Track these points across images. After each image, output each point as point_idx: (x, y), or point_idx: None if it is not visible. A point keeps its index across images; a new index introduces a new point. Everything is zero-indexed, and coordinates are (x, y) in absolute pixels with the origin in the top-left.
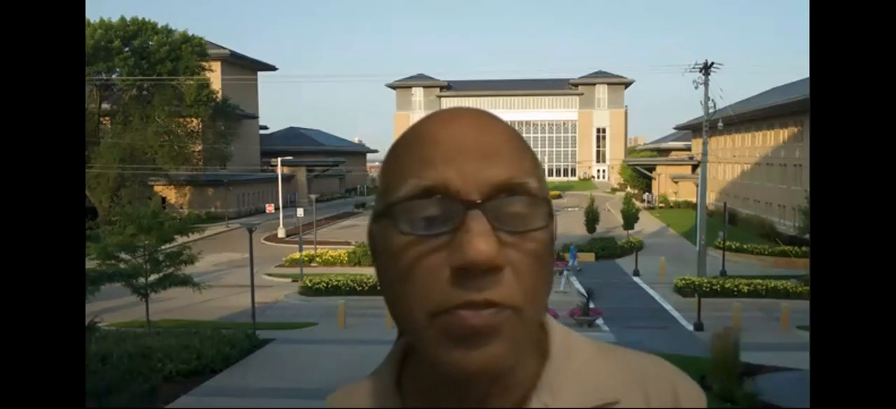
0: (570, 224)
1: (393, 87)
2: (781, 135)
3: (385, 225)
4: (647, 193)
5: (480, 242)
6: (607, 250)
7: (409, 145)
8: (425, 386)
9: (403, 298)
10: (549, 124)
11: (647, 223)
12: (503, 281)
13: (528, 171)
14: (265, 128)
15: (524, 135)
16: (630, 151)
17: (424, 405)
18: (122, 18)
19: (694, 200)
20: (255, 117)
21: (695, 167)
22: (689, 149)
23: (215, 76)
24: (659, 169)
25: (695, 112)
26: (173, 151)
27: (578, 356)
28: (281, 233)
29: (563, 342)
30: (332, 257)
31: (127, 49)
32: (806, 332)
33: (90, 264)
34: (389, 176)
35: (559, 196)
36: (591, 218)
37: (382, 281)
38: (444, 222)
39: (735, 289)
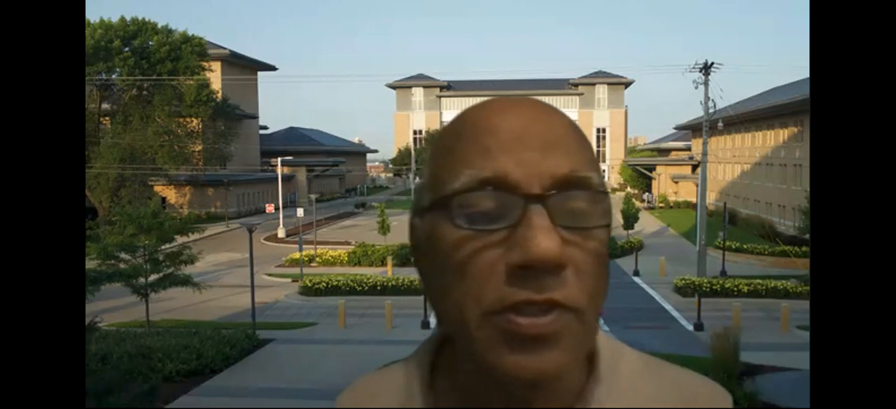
0: None
1: (393, 87)
2: (781, 135)
3: (435, 218)
4: (647, 193)
5: (544, 238)
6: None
7: (461, 135)
8: (462, 385)
9: (454, 295)
10: None
11: (647, 223)
12: (566, 281)
13: (589, 164)
14: (265, 128)
15: None
16: (630, 151)
17: (460, 403)
18: (122, 18)
19: (694, 200)
20: (255, 117)
21: (695, 167)
22: (689, 149)
23: (215, 76)
24: (659, 169)
25: (695, 112)
26: (173, 151)
27: (626, 369)
28: (281, 233)
29: (611, 354)
30: (332, 257)
31: (127, 49)
32: (806, 332)
33: (90, 264)
34: (440, 167)
35: None
36: None
37: (428, 277)
38: (503, 217)
39: (735, 289)
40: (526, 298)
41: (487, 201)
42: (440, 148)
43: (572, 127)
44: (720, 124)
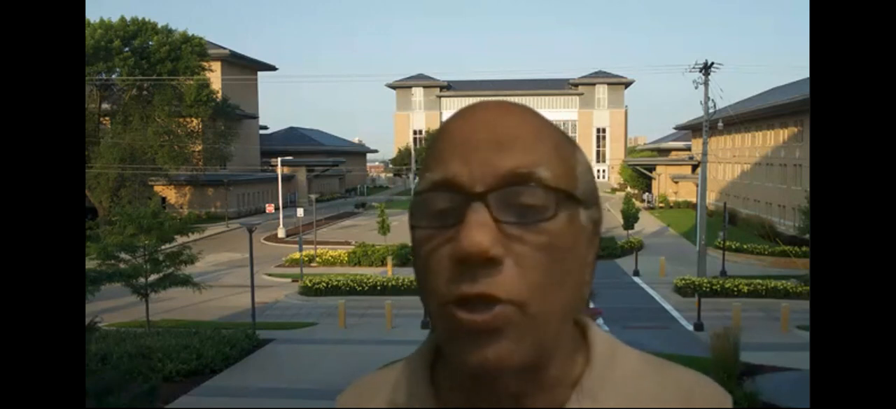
0: None
1: (393, 87)
2: (781, 135)
3: (412, 221)
4: (647, 193)
5: (475, 233)
6: (607, 249)
7: (432, 142)
8: (458, 381)
9: (423, 290)
10: None
11: (647, 223)
12: (505, 275)
13: (541, 159)
14: (265, 128)
15: None
16: (630, 151)
17: (459, 400)
18: (122, 18)
19: (694, 200)
20: (255, 117)
21: (695, 167)
22: (689, 149)
23: (215, 76)
24: (659, 169)
25: (695, 112)
26: (173, 151)
27: (622, 365)
28: (281, 233)
29: (606, 350)
30: (332, 257)
31: (127, 49)
32: (806, 332)
33: (90, 264)
34: (419, 174)
35: None
36: None
37: (415, 274)
38: (453, 215)
39: (735, 289)
40: (460, 292)
41: (440, 202)
42: (424, 156)
43: (530, 123)
44: (720, 124)
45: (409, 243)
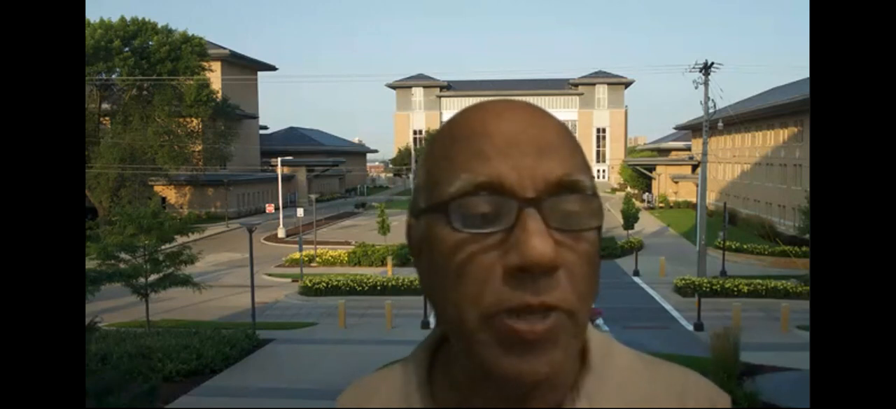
0: None
1: (393, 87)
2: (781, 135)
3: (432, 221)
4: (647, 193)
5: (538, 241)
6: (607, 249)
7: (457, 138)
8: (460, 383)
9: (452, 298)
10: None
11: (647, 223)
12: (559, 284)
13: (581, 167)
14: (265, 128)
15: None
16: (630, 151)
17: (458, 402)
18: (122, 18)
19: (694, 200)
20: (255, 117)
21: (695, 167)
22: (689, 149)
23: (215, 76)
24: (659, 169)
25: (695, 112)
26: (173, 151)
27: (617, 363)
28: (281, 233)
29: (601, 349)
30: (332, 257)
31: (127, 49)
32: (806, 332)
33: (90, 264)
34: (436, 170)
35: None
36: None
37: (427, 279)
38: (498, 220)
39: (735, 289)
40: (523, 301)
41: (483, 205)
42: (436, 150)
43: (565, 131)
44: (720, 124)
45: (407, 243)
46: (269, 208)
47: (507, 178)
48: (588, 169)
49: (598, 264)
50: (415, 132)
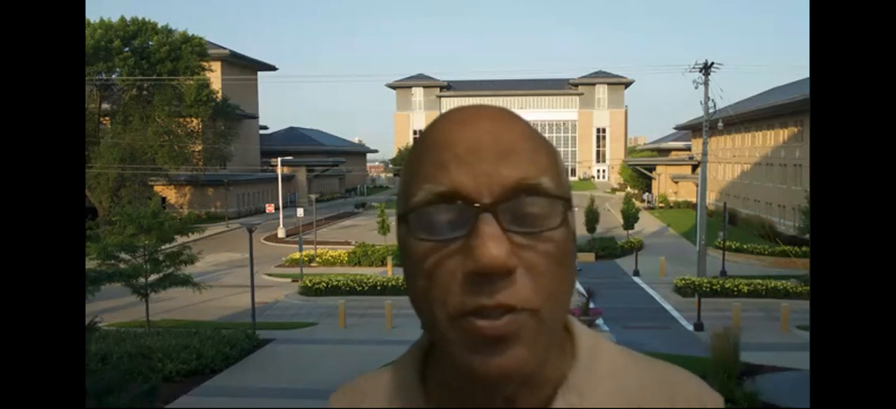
0: None
1: (393, 87)
2: (781, 135)
3: (404, 231)
4: (647, 193)
5: (491, 246)
6: (607, 249)
7: (425, 148)
8: (451, 384)
9: (426, 301)
10: (548, 124)
11: (647, 223)
12: (518, 284)
13: (543, 169)
14: (265, 128)
15: None
16: (630, 151)
17: (451, 402)
18: (122, 18)
19: (694, 200)
20: (255, 117)
21: (695, 167)
22: (689, 149)
23: (215, 76)
24: (659, 169)
25: (695, 112)
26: (173, 151)
27: (605, 360)
28: (281, 233)
29: (590, 346)
30: (332, 257)
31: (127, 49)
32: (806, 332)
33: (90, 264)
34: (407, 179)
35: None
36: (591, 218)
37: (407, 282)
38: (459, 227)
39: (735, 289)
40: (479, 304)
41: (445, 213)
42: (408, 161)
43: (527, 134)
44: (720, 124)
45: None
46: (269, 208)
47: (464, 186)
48: (553, 170)
49: (567, 260)
50: (415, 132)
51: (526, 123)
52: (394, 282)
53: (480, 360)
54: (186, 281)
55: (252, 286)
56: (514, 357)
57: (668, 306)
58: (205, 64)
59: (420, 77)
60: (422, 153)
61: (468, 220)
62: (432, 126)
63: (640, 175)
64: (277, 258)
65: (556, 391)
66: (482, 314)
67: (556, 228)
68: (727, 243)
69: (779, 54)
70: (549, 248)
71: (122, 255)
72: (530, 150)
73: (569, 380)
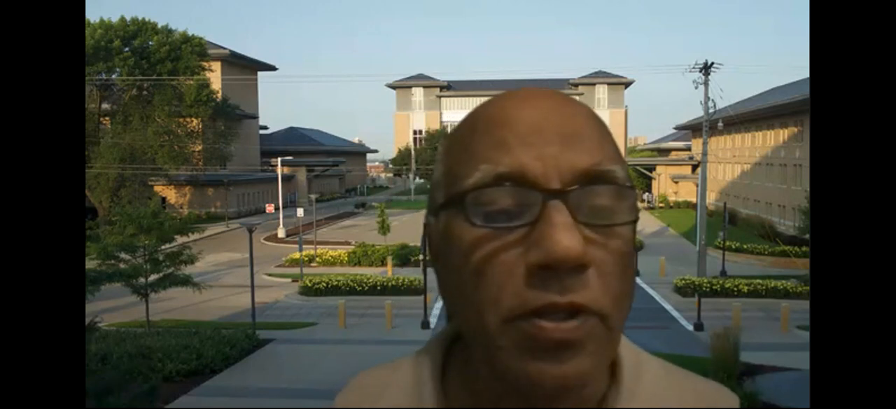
0: None
1: (393, 87)
2: (781, 135)
3: (450, 216)
4: (647, 193)
5: (564, 236)
6: None
7: (476, 128)
8: (476, 387)
9: (472, 299)
10: None
11: (647, 223)
12: (589, 283)
13: (613, 157)
14: (265, 128)
15: None
16: (630, 151)
17: (474, 405)
18: (122, 18)
19: (694, 200)
20: (255, 117)
21: (695, 167)
22: (689, 149)
23: (215, 76)
24: (659, 169)
25: (695, 112)
26: (173, 151)
27: (648, 376)
28: (281, 233)
29: (633, 361)
30: (332, 257)
31: (127, 49)
32: (806, 332)
33: (90, 264)
34: (454, 162)
35: None
36: None
37: (445, 280)
38: (521, 214)
39: (735, 289)
40: (547, 301)
41: (505, 198)
42: (455, 142)
43: (594, 119)
44: (720, 124)
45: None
46: (269, 208)
47: (531, 168)
48: (620, 160)
49: (632, 264)
50: (415, 132)
51: (590, 109)
52: (394, 282)
53: (539, 368)
54: (186, 281)
55: (252, 286)
56: (577, 366)
57: (668, 306)
58: (205, 64)
59: (420, 77)
60: (474, 133)
61: (534, 206)
62: (485, 107)
63: (640, 175)
64: (277, 258)
65: (594, 404)
66: (547, 316)
67: (626, 223)
68: (727, 243)
69: (779, 54)
70: (618, 245)
71: (122, 255)
72: (598, 135)
73: (610, 398)
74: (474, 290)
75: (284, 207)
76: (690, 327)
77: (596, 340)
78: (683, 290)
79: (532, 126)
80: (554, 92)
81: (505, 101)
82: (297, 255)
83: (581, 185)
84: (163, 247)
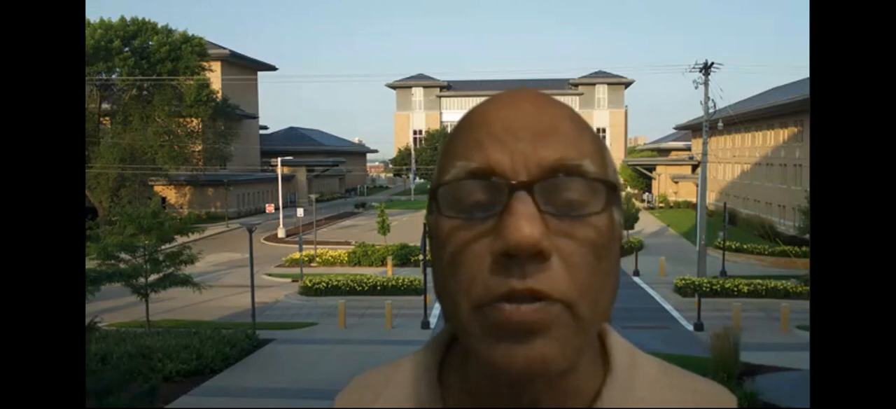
0: None
1: (393, 87)
2: (781, 135)
3: (432, 212)
4: (647, 193)
5: (525, 224)
6: None
7: (460, 130)
8: (472, 383)
9: (449, 288)
10: None
11: (647, 223)
12: (552, 271)
13: (585, 152)
14: (265, 128)
15: None
16: (630, 151)
17: (471, 403)
18: (122, 18)
19: (694, 200)
20: (255, 117)
21: (695, 167)
22: (689, 149)
23: (215, 76)
24: (659, 169)
25: (695, 112)
26: (173, 151)
27: (643, 375)
28: (281, 233)
29: (627, 359)
30: (332, 257)
31: (127, 49)
32: (806, 332)
33: (90, 264)
34: (441, 161)
35: None
36: None
37: (433, 271)
38: (492, 205)
39: (735, 289)
40: (508, 287)
41: (477, 192)
42: (443, 145)
43: (572, 117)
44: (720, 124)
45: (412, 242)
46: (269, 208)
47: (499, 163)
48: (598, 155)
49: (608, 255)
50: (415, 132)
51: (570, 108)
52: (394, 282)
53: (502, 351)
54: (186, 281)
55: (252, 286)
56: (540, 351)
57: (668, 306)
58: (205, 64)
59: (420, 77)
60: (457, 133)
61: (501, 198)
62: (471, 110)
63: (640, 175)
64: (277, 258)
65: (588, 405)
66: (510, 300)
67: (596, 213)
68: (727, 243)
69: (779, 54)
70: (588, 234)
71: (122, 255)
72: (573, 132)
73: (603, 396)
74: (451, 279)
75: (284, 207)
76: (690, 327)
77: (561, 327)
78: (683, 290)
79: (506, 125)
80: (535, 94)
81: (488, 103)
82: (297, 255)
83: (548, 178)
84: (163, 247)
